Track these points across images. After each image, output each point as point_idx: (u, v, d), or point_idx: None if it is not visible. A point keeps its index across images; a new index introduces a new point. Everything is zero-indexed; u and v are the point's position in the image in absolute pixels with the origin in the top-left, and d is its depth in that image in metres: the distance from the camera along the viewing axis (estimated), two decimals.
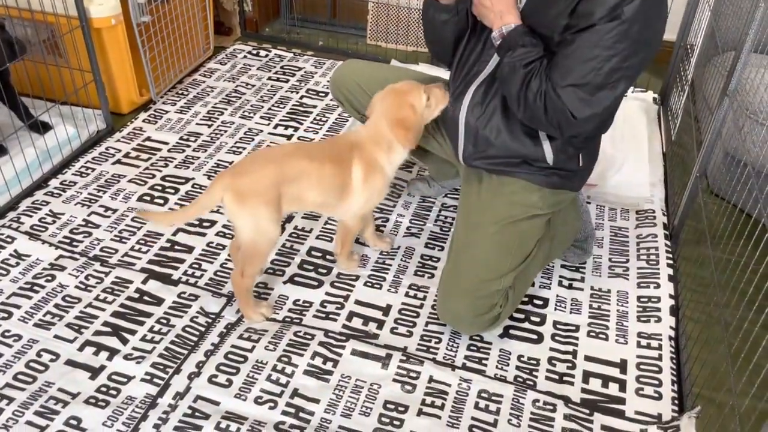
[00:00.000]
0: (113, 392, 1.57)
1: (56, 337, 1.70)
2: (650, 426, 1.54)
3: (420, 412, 1.55)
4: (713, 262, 1.76)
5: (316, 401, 1.57)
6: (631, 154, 2.42)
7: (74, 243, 2.01)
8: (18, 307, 1.77)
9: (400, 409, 1.56)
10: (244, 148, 2.48)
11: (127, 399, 1.55)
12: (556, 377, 1.67)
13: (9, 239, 1.98)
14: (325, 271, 1.96)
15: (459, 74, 1.69)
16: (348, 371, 1.64)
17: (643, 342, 1.75)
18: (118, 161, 2.39)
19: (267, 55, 3.16)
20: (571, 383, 1.65)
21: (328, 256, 2.01)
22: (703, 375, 1.61)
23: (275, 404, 1.55)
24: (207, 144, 2.50)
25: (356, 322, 1.79)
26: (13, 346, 1.67)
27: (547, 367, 1.69)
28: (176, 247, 2.01)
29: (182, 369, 1.63)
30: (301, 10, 3.56)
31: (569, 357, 1.72)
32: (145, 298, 1.83)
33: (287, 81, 2.96)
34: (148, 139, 2.52)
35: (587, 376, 1.67)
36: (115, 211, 2.15)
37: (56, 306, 1.78)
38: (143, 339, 1.71)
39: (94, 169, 2.34)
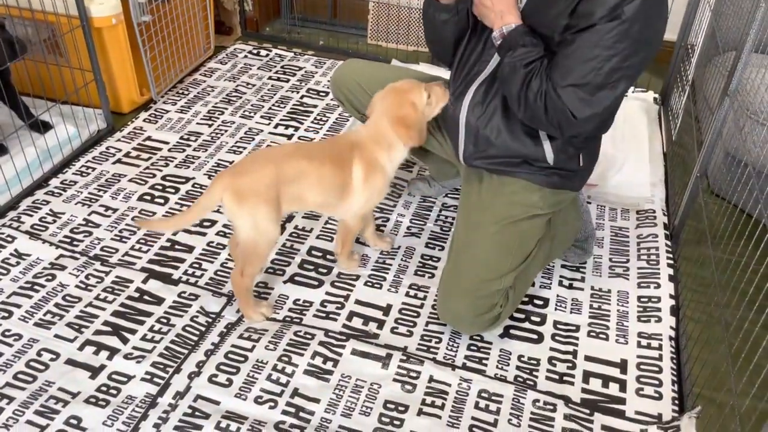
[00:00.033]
0: (113, 392, 1.57)
1: (56, 336, 1.70)
2: (650, 426, 1.54)
3: (420, 412, 1.55)
4: (714, 262, 1.76)
5: (317, 401, 1.57)
6: (631, 154, 2.42)
7: (75, 242, 2.01)
8: (18, 306, 1.77)
9: (400, 408, 1.56)
10: (245, 148, 2.48)
11: (128, 398, 1.55)
12: (557, 377, 1.67)
13: (9, 238, 1.98)
14: (325, 270, 1.96)
15: (459, 74, 1.69)
16: (348, 371, 1.64)
17: (644, 342, 1.75)
18: (119, 161, 2.39)
19: (267, 55, 3.16)
20: (572, 383, 1.65)
21: (328, 256, 2.01)
22: (704, 375, 1.61)
23: (275, 404, 1.55)
24: (207, 143, 2.50)
25: (356, 322, 1.79)
26: (13, 346, 1.67)
27: (548, 367, 1.69)
28: (176, 246, 2.01)
29: (182, 368, 1.63)
30: (301, 10, 3.56)
31: (569, 357, 1.72)
32: (146, 297, 1.83)
33: (288, 81, 2.96)
34: (149, 138, 2.52)
35: (587, 376, 1.67)
36: (115, 210, 2.15)
37: (56, 305, 1.78)
38: (143, 338, 1.71)
39: (94, 169, 2.34)
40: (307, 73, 3.02)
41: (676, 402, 1.60)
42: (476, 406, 1.57)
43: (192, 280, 1.90)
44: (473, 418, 1.55)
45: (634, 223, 2.16)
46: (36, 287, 1.83)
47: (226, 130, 2.58)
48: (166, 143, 2.50)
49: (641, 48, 1.41)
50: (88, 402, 1.54)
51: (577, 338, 1.77)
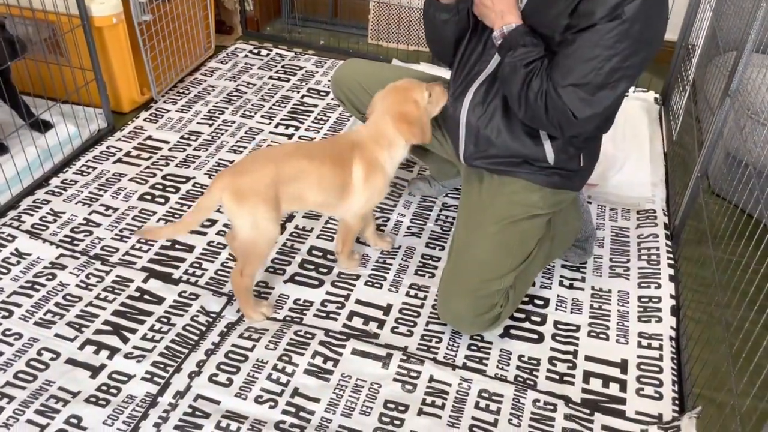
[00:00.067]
0: (114, 391, 1.57)
1: (57, 335, 1.70)
2: (651, 426, 1.54)
3: (420, 412, 1.55)
4: (714, 262, 1.76)
5: (317, 400, 1.57)
6: (632, 154, 2.42)
7: (75, 242, 2.01)
8: (19, 305, 1.77)
9: (400, 408, 1.56)
10: (245, 148, 2.48)
11: (128, 398, 1.55)
12: (557, 377, 1.67)
13: (10, 238, 1.99)
14: (325, 270, 1.96)
15: (460, 74, 1.69)
16: (348, 371, 1.64)
17: (644, 342, 1.75)
18: (119, 160, 2.39)
19: (268, 55, 3.16)
20: (572, 383, 1.65)
21: (328, 256, 2.01)
22: (704, 375, 1.61)
23: (276, 403, 1.55)
24: (208, 143, 2.50)
25: (357, 322, 1.79)
26: (13, 345, 1.67)
27: (548, 366, 1.69)
28: (177, 246, 2.01)
29: (183, 368, 1.63)
30: (302, 10, 3.56)
31: (570, 357, 1.72)
32: (146, 297, 1.83)
33: (288, 80, 2.95)
34: (149, 138, 2.52)
35: (588, 376, 1.67)
36: (115, 210, 2.15)
37: (57, 305, 1.78)
38: (144, 338, 1.71)
39: (95, 168, 2.34)
40: (307, 72, 3.02)
41: (677, 402, 1.60)
42: (476, 406, 1.57)
43: (192, 279, 1.90)
44: (473, 418, 1.55)
45: (635, 223, 2.16)
46: (36, 286, 1.83)
47: (226, 130, 2.58)
48: (167, 143, 2.50)
49: (642, 48, 1.41)
50: (88, 401, 1.54)
51: (577, 338, 1.77)
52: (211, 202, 1.63)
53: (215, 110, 2.71)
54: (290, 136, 2.57)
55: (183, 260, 1.96)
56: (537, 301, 1.87)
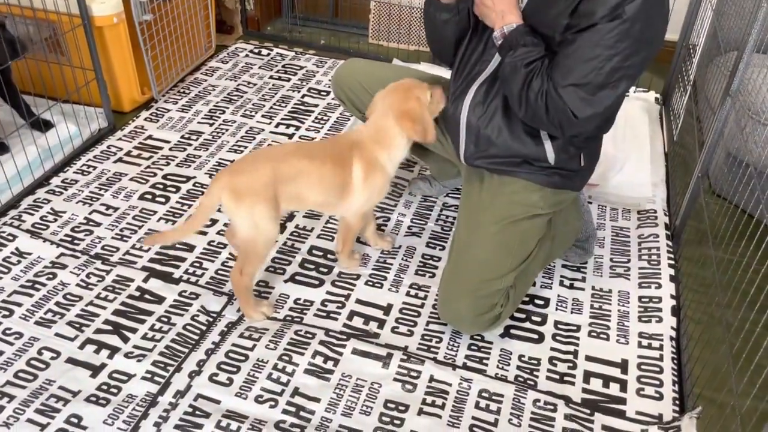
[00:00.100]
0: (114, 390, 1.57)
1: (57, 335, 1.70)
2: (651, 426, 1.54)
3: (420, 412, 1.55)
4: (715, 262, 1.75)
5: (317, 400, 1.57)
6: (632, 154, 2.42)
7: (75, 241, 2.01)
8: (19, 305, 1.77)
9: (400, 408, 1.56)
10: (246, 147, 2.48)
11: (128, 397, 1.55)
12: (557, 377, 1.67)
13: (10, 237, 1.99)
14: (326, 270, 1.96)
15: (460, 74, 1.69)
16: (349, 370, 1.64)
17: (644, 342, 1.75)
18: (120, 159, 2.39)
19: (268, 54, 3.16)
20: (572, 383, 1.65)
21: (329, 255, 2.01)
22: (705, 375, 1.61)
23: (276, 403, 1.55)
24: (208, 143, 2.50)
25: (357, 322, 1.79)
26: (14, 344, 1.67)
27: (548, 366, 1.69)
28: (177, 245, 2.01)
29: (183, 367, 1.63)
30: (302, 9, 3.56)
31: (570, 357, 1.72)
32: (146, 296, 1.83)
33: (289, 80, 2.95)
34: (150, 137, 2.52)
35: (588, 376, 1.67)
36: (116, 209, 2.15)
37: (57, 304, 1.79)
38: (144, 337, 1.71)
39: (95, 168, 2.34)
40: (308, 72, 3.02)
41: (677, 402, 1.60)
42: (477, 406, 1.57)
43: (193, 279, 1.90)
44: (474, 418, 1.55)
45: (635, 223, 2.16)
46: (37, 286, 1.83)
47: (227, 129, 2.58)
48: (167, 142, 2.50)
49: (642, 47, 1.41)
50: (88, 401, 1.54)
51: (577, 338, 1.77)
52: (212, 202, 1.63)
53: (216, 110, 2.71)
54: (291, 136, 2.57)
55: (183, 260, 1.96)
56: (537, 301, 1.87)
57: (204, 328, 1.74)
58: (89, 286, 1.85)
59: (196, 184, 2.28)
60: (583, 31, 1.40)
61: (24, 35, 2.37)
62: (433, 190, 2.26)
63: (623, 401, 1.61)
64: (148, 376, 1.61)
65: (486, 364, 1.69)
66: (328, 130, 2.61)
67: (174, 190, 2.25)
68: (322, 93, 2.86)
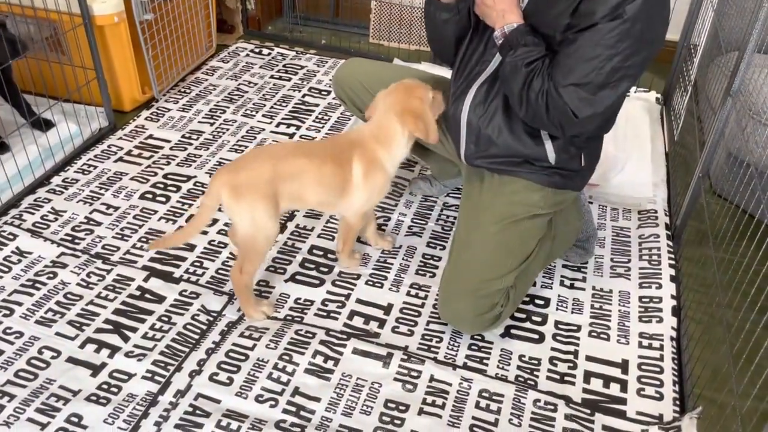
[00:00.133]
0: (114, 390, 1.57)
1: (58, 334, 1.70)
2: (651, 426, 1.54)
3: (421, 411, 1.55)
4: (715, 262, 1.75)
5: (317, 400, 1.57)
6: (633, 154, 2.42)
7: (76, 240, 2.01)
8: (20, 304, 1.77)
9: (401, 408, 1.56)
10: (246, 147, 2.48)
11: (128, 396, 1.55)
12: (558, 377, 1.67)
13: (11, 236, 1.99)
14: (326, 269, 1.96)
15: (461, 73, 1.69)
16: (349, 370, 1.64)
17: (645, 342, 1.75)
18: (120, 159, 2.39)
19: (269, 54, 3.16)
20: (573, 383, 1.65)
21: (329, 255, 2.01)
22: (705, 376, 1.60)
23: (276, 402, 1.55)
24: (209, 142, 2.51)
25: (357, 321, 1.79)
26: (14, 343, 1.67)
27: (549, 366, 1.69)
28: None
29: (183, 367, 1.63)
30: (303, 9, 3.56)
31: (570, 357, 1.72)
32: (147, 295, 1.83)
33: (289, 79, 2.95)
34: (151, 137, 2.52)
35: (588, 376, 1.67)
36: (117, 208, 2.15)
37: (58, 303, 1.79)
38: (144, 337, 1.71)
39: (96, 167, 2.34)
40: (308, 72, 3.02)
41: (677, 402, 1.60)
42: (477, 406, 1.57)
43: (193, 278, 1.90)
44: (474, 418, 1.55)
45: (636, 223, 2.16)
46: (37, 285, 1.83)
47: (227, 129, 2.59)
48: (168, 141, 2.50)
49: (643, 47, 1.41)
50: (89, 400, 1.54)
51: (578, 338, 1.77)
52: (213, 200, 1.63)
53: (216, 109, 2.71)
54: (291, 136, 2.57)
55: (184, 259, 1.96)
56: (538, 301, 1.87)
57: (204, 327, 1.74)
58: (90, 285, 1.85)
59: (197, 184, 2.28)
60: (583, 30, 1.40)
61: (25, 34, 2.37)
62: (434, 189, 2.26)
63: (624, 401, 1.61)
64: (149, 375, 1.61)
65: (486, 364, 1.69)
66: (329, 129, 2.61)
67: (174, 189, 2.25)
68: (323, 93, 2.86)
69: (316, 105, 2.76)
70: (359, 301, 1.86)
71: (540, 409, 1.57)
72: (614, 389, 1.64)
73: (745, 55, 1.81)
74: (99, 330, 1.72)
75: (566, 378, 1.66)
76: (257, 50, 3.18)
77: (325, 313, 1.81)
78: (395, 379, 1.62)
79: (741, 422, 1.42)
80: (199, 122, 2.62)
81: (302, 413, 1.53)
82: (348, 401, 1.57)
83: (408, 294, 1.88)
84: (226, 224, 2.08)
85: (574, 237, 1.94)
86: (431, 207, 2.23)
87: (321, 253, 2.02)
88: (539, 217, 1.70)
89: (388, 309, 1.83)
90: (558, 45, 1.47)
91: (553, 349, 1.74)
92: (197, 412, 1.52)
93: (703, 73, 2.71)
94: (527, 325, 1.80)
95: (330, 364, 1.65)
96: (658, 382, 1.65)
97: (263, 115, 2.68)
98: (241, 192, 1.60)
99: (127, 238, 2.03)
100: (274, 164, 1.64)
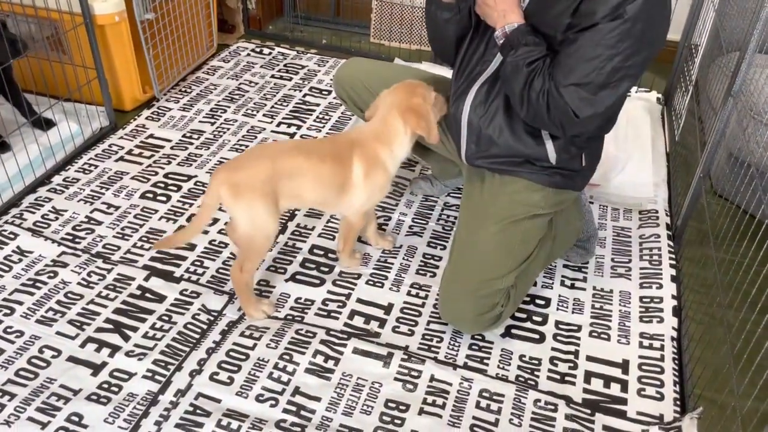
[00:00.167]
0: (115, 389, 1.57)
1: (58, 333, 1.70)
2: (652, 427, 1.54)
3: (421, 411, 1.55)
4: (716, 262, 1.75)
5: (318, 399, 1.57)
6: (634, 154, 2.42)
7: (77, 240, 2.01)
8: (20, 303, 1.78)
9: (401, 407, 1.56)
10: (247, 146, 2.48)
11: (129, 396, 1.55)
12: (558, 377, 1.67)
13: (12, 236, 1.99)
14: (327, 269, 1.96)
15: (462, 73, 1.69)
16: (349, 370, 1.64)
17: (645, 342, 1.75)
18: (121, 158, 2.39)
19: (270, 53, 3.16)
20: (573, 383, 1.65)
21: (330, 255, 2.01)
22: (705, 376, 1.60)
23: (276, 402, 1.55)
24: (210, 141, 2.51)
25: (358, 321, 1.79)
26: (15, 343, 1.67)
27: (549, 366, 1.69)
28: None
29: (184, 366, 1.63)
30: (304, 8, 3.56)
31: (571, 357, 1.72)
32: (147, 295, 1.83)
33: (290, 79, 2.95)
34: (151, 136, 2.52)
35: (589, 376, 1.67)
36: (117, 208, 2.15)
37: (58, 303, 1.79)
38: (145, 336, 1.71)
39: (96, 166, 2.34)
40: (309, 71, 3.02)
41: (678, 403, 1.60)
42: (477, 406, 1.57)
43: (194, 278, 1.90)
44: (474, 418, 1.55)
45: (637, 224, 2.16)
46: (38, 284, 1.84)
47: (228, 129, 2.59)
48: (169, 141, 2.50)
49: (643, 47, 1.41)
50: (89, 399, 1.54)
51: (578, 338, 1.77)
52: (213, 199, 1.64)
53: (217, 109, 2.71)
54: (292, 135, 2.57)
55: (184, 258, 1.96)
56: (538, 301, 1.87)
57: (205, 327, 1.74)
58: (90, 284, 1.85)
59: (198, 183, 2.28)
60: (584, 30, 1.40)
61: (26, 34, 2.37)
62: (435, 189, 2.26)
63: (624, 401, 1.61)
64: (149, 374, 1.61)
65: (487, 364, 1.69)
66: (330, 129, 2.61)
67: (175, 188, 2.25)
68: (324, 92, 2.85)
69: (317, 105, 2.77)
70: (360, 300, 1.86)
71: (540, 409, 1.57)
72: (615, 389, 1.64)
73: (746, 55, 1.81)
74: (99, 329, 1.72)
75: (567, 378, 1.66)
76: (258, 50, 3.18)
77: (325, 313, 1.81)
78: (396, 379, 1.62)
79: (741, 423, 1.42)
80: (199, 122, 2.62)
81: (303, 413, 1.53)
82: (348, 401, 1.57)
83: (408, 294, 1.88)
84: (226, 224, 2.08)
85: (575, 237, 1.93)
86: (432, 207, 2.23)
87: (322, 252, 2.02)
88: (540, 217, 1.70)
89: (388, 309, 1.83)
90: (559, 45, 1.47)
91: (553, 349, 1.74)
92: (198, 411, 1.52)
93: (704, 74, 2.71)
94: (528, 325, 1.80)
95: (330, 364, 1.65)
96: (658, 383, 1.65)
97: (264, 115, 2.68)
98: (240, 190, 1.60)
99: (127, 237, 2.03)
100: (273, 162, 1.64)
